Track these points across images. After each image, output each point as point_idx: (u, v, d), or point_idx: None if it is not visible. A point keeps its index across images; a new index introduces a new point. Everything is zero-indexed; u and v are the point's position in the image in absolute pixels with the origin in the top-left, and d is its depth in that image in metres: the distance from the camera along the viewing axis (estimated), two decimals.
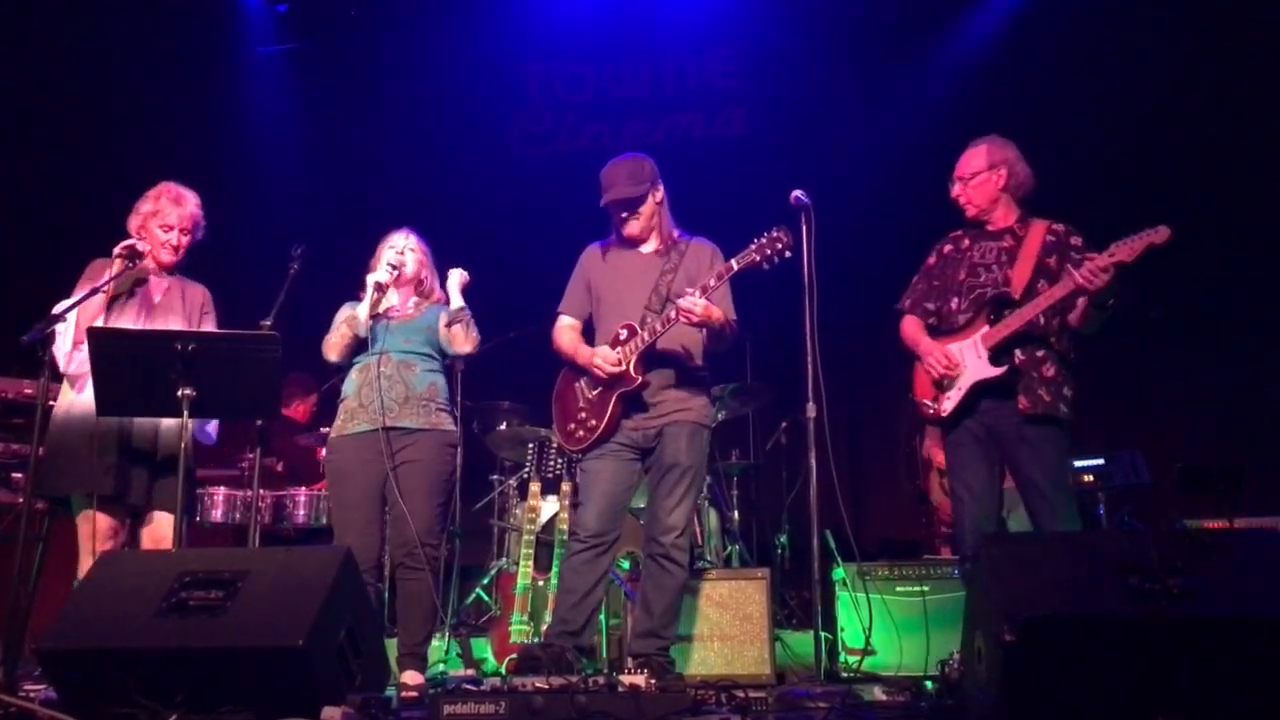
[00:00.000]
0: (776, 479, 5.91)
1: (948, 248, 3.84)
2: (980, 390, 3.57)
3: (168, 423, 3.74)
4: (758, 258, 3.52)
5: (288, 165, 7.51)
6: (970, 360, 3.59)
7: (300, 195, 7.38)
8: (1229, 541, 2.87)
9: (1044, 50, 6.85)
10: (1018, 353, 3.55)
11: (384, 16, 7.63)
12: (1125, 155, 6.47)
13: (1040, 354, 3.56)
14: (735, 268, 3.57)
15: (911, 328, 3.81)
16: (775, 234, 3.52)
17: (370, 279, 3.94)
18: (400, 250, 4.04)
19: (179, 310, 3.93)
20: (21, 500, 3.73)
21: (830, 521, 4.25)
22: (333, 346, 3.98)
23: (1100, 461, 5.43)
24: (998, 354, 3.55)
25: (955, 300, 3.72)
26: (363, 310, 3.91)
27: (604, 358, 3.66)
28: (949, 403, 3.62)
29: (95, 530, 3.65)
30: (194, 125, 7.33)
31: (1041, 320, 3.54)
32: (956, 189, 3.77)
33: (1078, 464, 5.42)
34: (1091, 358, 5.26)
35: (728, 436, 5.92)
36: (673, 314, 3.55)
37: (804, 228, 3.68)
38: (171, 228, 3.91)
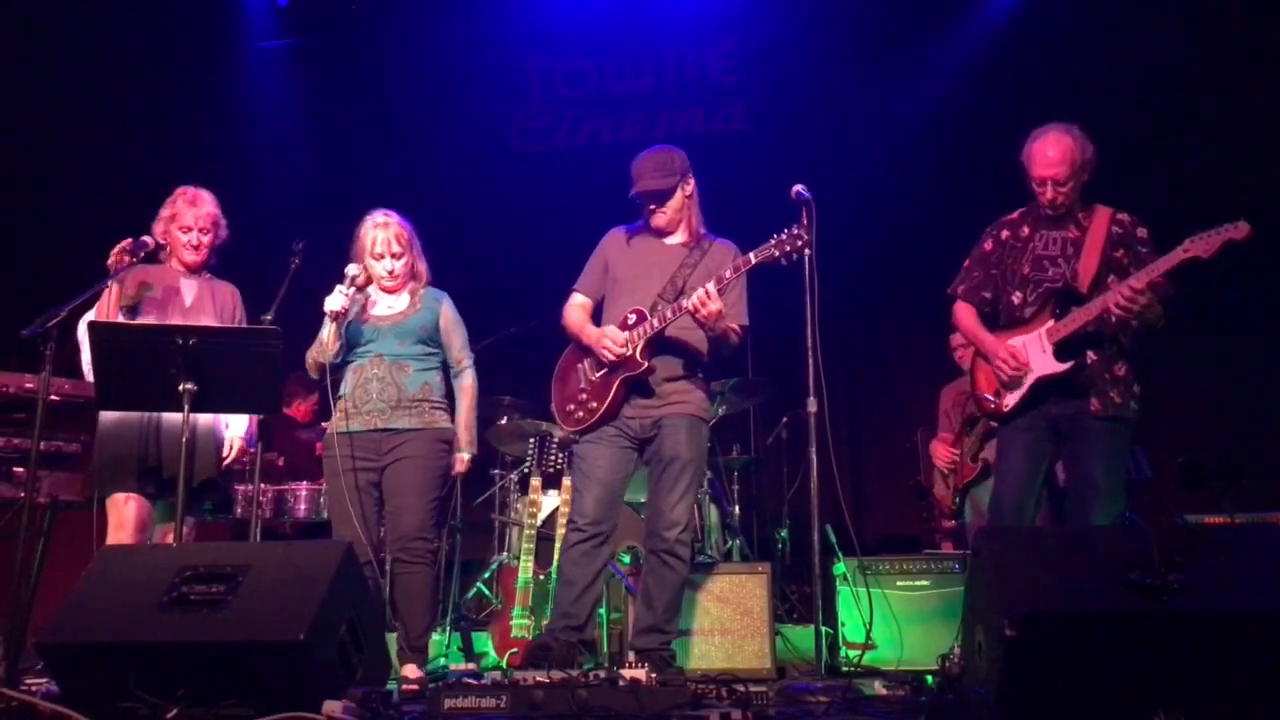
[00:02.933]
0: (777, 474, 5.90)
1: (1005, 234, 3.73)
2: (1043, 386, 3.52)
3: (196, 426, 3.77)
4: (777, 253, 3.52)
5: (288, 159, 7.50)
6: (1034, 355, 3.54)
7: (300, 190, 7.37)
8: (1229, 537, 2.87)
9: (1045, 45, 6.82)
10: (1090, 352, 3.50)
11: (384, 12, 7.62)
12: (1126, 152, 6.44)
13: (1111, 352, 3.52)
14: (754, 261, 3.57)
15: (969, 318, 3.76)
16: (795, 231, 3.52)
17: (327, 305, 3.82)
18: (380, 252, 3.91)
19: (210, 311, 4.01)
20: (23, 495, 3.74)
21: (831, 516, 4.25)
22: (313, 365, 3.94)
23: None
24: (1062, 349, 3.50)
25: (1019, 294, 3.65)
26: (327, 336, 3.85)
27: (613, 338, 3.66)
28: (1012, 398, 3.58)
29: (124, 522, 3.78)
30: (194, 119, 7.33)
31: (1112, 318, 3.45)
32: (1069, 179, 3.53)
33: None
34: None
35: (729, 431, 5.91)
36: (685, 304, 3.54)
37: (805, 222, 3.67)
38: (190, 229, 4.01)
